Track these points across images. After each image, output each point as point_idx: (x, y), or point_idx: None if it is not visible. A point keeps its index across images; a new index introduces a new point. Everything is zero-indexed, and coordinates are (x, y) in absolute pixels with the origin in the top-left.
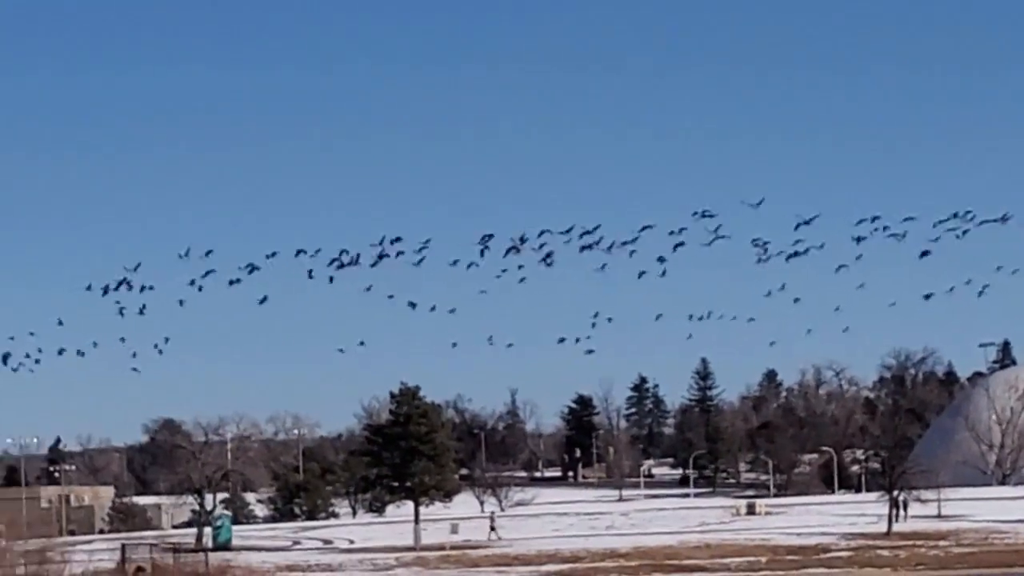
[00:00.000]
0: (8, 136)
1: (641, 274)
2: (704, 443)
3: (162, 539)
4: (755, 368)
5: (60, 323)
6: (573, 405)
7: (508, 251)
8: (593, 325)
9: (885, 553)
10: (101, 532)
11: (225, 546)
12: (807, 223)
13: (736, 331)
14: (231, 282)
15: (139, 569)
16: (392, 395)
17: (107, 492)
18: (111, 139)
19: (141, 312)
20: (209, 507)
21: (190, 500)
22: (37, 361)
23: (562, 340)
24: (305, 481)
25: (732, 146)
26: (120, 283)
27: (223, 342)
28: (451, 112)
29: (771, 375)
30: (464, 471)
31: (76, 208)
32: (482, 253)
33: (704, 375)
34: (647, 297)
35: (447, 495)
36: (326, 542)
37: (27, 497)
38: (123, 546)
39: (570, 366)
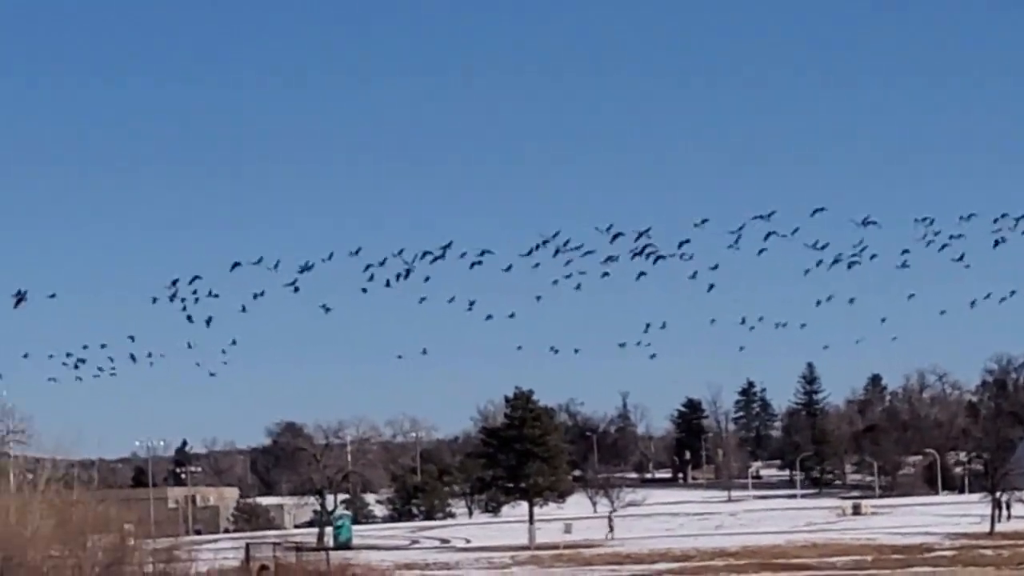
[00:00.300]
0: (49, 147)
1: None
2: (811, 445)
3: (285, 538)
4: (860, 372)
5: (132, 339)
6: (683, 408)
7: (557, 253)
8: (646, 330)
9: (988, 552)
10: (226, 531)
11: (346, 545)
12: (867, 223)
13: (842, 336)
14: (289, 285)
15: (263, 567)
16: (507, 399)
17: (231, 493)
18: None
19: (209, 317)
20: (330, 507)
21: (312, 501)
22: (113, 370)
23: (623, 345)
24: (423, 482)
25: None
26: (196, 276)
27: (346, 348)
28: (472, 117)
29: (876, 379)
30: (577, 473)
31: (129, 219)
32: (530, 254)
33: (810, 379)
34: (754, 303)
35: (560, 496)
36: (443, 541)
37: (155, 497)
38: (247, 545)
39: (680, 371)
